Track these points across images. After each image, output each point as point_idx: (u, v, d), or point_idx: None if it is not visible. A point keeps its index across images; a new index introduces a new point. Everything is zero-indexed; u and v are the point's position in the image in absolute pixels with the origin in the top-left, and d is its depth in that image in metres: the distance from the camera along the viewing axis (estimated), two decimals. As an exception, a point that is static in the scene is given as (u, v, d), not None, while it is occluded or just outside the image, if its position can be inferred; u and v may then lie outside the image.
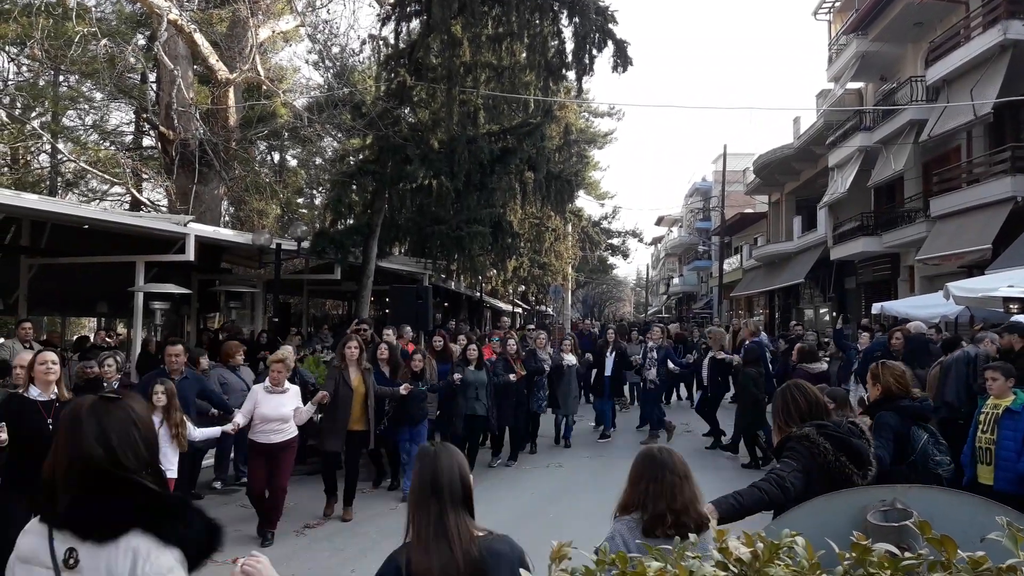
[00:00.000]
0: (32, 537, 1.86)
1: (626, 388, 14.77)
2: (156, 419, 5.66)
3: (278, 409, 6.88)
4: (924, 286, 18.42)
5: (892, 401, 4.75)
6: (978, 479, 5.85)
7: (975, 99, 15.77)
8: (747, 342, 11.98)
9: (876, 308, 14.83)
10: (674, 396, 16.46)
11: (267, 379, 6.98)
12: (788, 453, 3.40)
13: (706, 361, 12.35)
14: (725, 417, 11.94)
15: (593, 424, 12.94)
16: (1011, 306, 9.57)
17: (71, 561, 1.79)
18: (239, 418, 6.72)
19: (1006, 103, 15.21)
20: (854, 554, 1.04)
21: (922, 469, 4.58)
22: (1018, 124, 16.78)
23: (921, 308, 12.84)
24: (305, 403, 7.32)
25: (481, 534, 2.24)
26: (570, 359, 11.59)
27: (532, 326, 14.63)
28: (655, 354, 12.13)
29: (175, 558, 1.80)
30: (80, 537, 1.80)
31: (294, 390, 7.11)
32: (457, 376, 9.18)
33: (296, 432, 7.09)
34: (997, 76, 15.50)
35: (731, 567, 1.03)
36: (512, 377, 10.04)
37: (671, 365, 12.43)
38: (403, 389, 8.16)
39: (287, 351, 8.78)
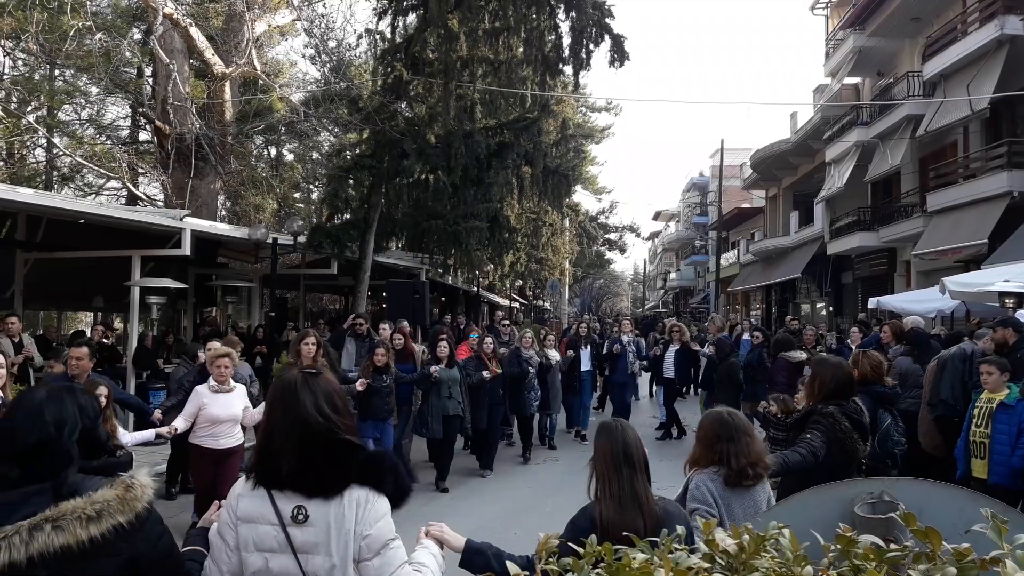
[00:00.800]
0: (251, 499, 2.10)
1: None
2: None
3: (229, 409, 6.33)
4: (920, 281, 18.45)
5: (866, 386, 5.27)
6: (972, 473, 5.89)
7: (972, 94, 15.79)
8: (717, 337, 12.40)
9: (872, 303, 14.85)
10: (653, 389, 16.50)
11: (210, 377, 6.36)
12: (815, 425, 4.13)
13: (671, 353, 12.09)
14: (683, 409, 12.57)
15: (565, 427, 12.24)
16: (1007, 301, 9.58)
17: (300, 517, 2.05)
18: (179, 422, 6.13)
19: (1002, 98, 15.23)
20: (839, 546, 1.04)
21: (881, 446, 5.20)
22: (1015, 119, 16.80)
23: (917, 303, 12.85)
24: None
25: (656, 497, 2.63)
26: (554, 355, 11.19)
27: (506, 320, 13.59)
28: (632, 347, 12.13)
29: (386, 504, 2.14)
30: (306, 495, 2.06)
31: (240, 389, 6.53)
32: (435, 368, 8.77)
33: (242, 436, 6.53)
34: (994, 71, 15.51)
35: (718, 559, 1.03)
36: (486, 374, 9.42)
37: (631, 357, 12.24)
38: (359, 385, 7.74)
39: (231, 344, 8.55)
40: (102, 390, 5.24)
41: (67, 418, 1.89)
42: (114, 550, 1.75)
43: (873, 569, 0.94)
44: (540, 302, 42.36)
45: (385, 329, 10.26)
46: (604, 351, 12.46)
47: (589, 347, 12.30)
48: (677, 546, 1.06)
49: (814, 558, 1.05)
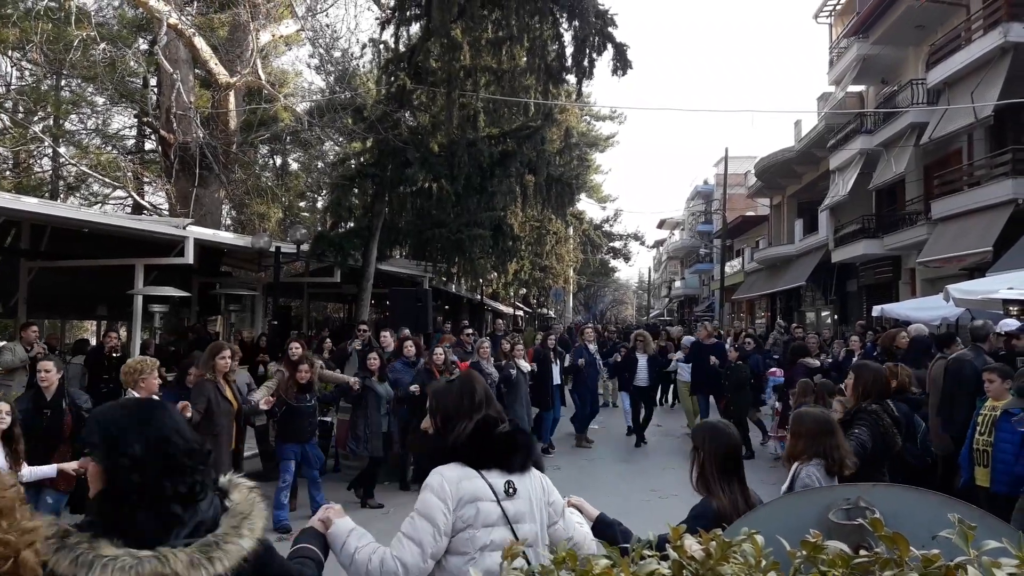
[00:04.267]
0: (468, 482, 2.35)
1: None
2: None
3: None
4: (925, 288, 18.38)
5: (902, 394, 5.84)
6: (975, 481, 5.85)
7: (976, 102, 15.76)
8: (741, 343, 12.79)
9: (877, 311, 14.81)
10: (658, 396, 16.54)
11: (133, 393, 5.71)
12: (861, 422, 4.54)
13: (643, 363, 12.05)
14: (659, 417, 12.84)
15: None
16: (1011, 308, 9.56)
17: (510, 491, 2.37)
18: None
19: (1007, 106, 15.19)
20: (804, 552, 1.04)
21: (922, 446, 5.96)
22: (1019, 126, 16.75)
23: (922, 310, 12.81)
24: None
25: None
26: (523, 365, 10.58)
27: (470, 329, 12.91)
28: (598, 356, 12.15)
29: None
30: (508, 471, 2.40)
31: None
32: (354, 380, 8.28)
33: None
34: (998, 79, 15.48)
35: (685, 566, 1.03)
36: (414, 389, 8.50)
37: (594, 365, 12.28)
38: (263, 403, 7.16)
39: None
40: (3, 406, 4.87)
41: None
42: None
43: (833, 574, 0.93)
44: (544, 310, 42.34)
45: (386, 336, 10.30)
46: (568, 364, 12.34)
47: (559, 361, 12.01)
48: (648, 552, 1.06)
49: (784, 565, 1.05)
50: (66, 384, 6.12)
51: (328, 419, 9.17)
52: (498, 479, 2.37)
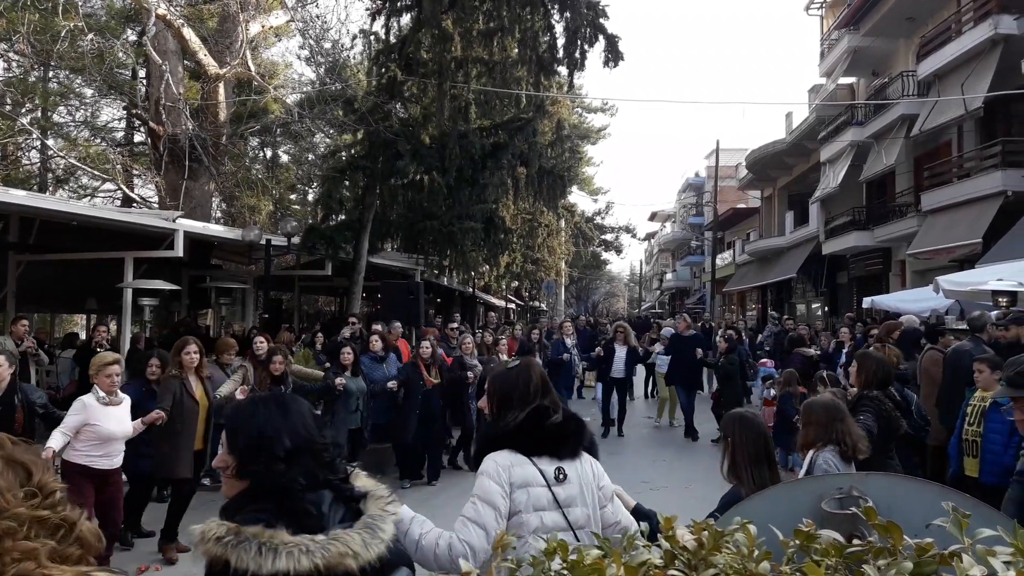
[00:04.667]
0: (519, 468, 2.45)
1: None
2: None
3: (123, 424, 5.67)
4: (915, 280, 18.46)
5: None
6: (964, 471, 5.86)
7: (966, 94, 15.80)
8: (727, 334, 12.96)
9: (867, 302, 14.87)
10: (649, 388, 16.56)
11: (96, 388, 5.61)
12: (865, 408, 4.78)
13: (621, 355, 12.01)
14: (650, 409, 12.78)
15: None
16: (1000, 299, 9.59)
17: (561, 476, 2.46)
18: (54, 442, 5.33)
19: (997, 97, 15.23)
20: (797, 541, 1.03)
21: (919, 415, 5.99)
22: (1009, 119, 16.81)
23: (912, 302, 12.87)
24: None
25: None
26: (505, 359, 10.25)
27: (455, 324, 12.44)
28: (576, 350, 12.14)
29: None
30: (559, 458, 2.49)
31: (128, 401, 5.86)
32: (340, 380, 8.00)
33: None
34: (988, 71, 15.52)
35: (678, 556, 1.02)
36: (391, 385, 8.49)
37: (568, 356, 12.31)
38: (239, 393, 7.00)
39: (226, 346, 8.15)
40: None
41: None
42: None
43: (813, 565, 0.92)
44: (536, 303, 42.35)
45: (378, 329, 10.27)
46: (550, 358, 12.33)
47: (541, 354, 11.94)
48: (639, 541, 1.05)
49: (778, 554, 1.04)
50: (18, 380, 5.90)
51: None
52: (548, 465, 2.48)
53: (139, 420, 5.83)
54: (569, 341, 12.20)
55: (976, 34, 15.81)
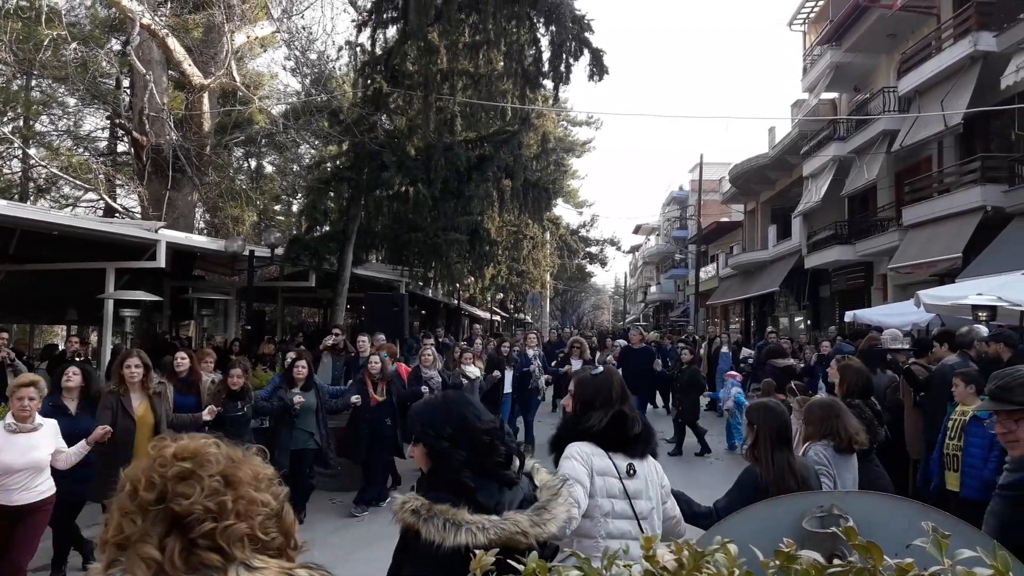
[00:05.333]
0: (598, 458, 2.81)
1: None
2: None
3: (28, 454, 4.94)
4: (897, 294, 18.60)
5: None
6: (946, 486, 5.90)
7: (946, 110, 15.98)
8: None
9: (849, 316, 14.94)
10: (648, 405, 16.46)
11: (8, 414, 5.04)
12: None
13: (578, 366, 11.78)
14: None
15: None
16: (980, 314, 9.67)
17: (631, 471, 2.83)
18: None
19: (976, 114, 15.43)
20: (777, 562, 1.03)
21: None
22: (988, 135, 17.02)
23: (893, 316, 12.94)
24: None
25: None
26: (472, 371, 9.99)
27: (364, 338, 10.84)
28: (538, 361, 12.05)
29: None
30: (631, 456, 2.87)
31: (50, 425, 5.19)
32: (298, 398, 7.47)
33: (52, 489, 5.13)
34: (967, 87, 15.72)
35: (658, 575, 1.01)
36: (355, 399, 8.02)
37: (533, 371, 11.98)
38: (207, 414, 6.55)
39: (204, 357, 7.80)
40: None
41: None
42: None
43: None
44: (521, 315, 42.35)
45: (364, 342, 10.19)
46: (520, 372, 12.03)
47: (512, 368, 11.56)
48: (620, 561, 1.05)
49: (758, 574, 1.04)
50: None
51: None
52: (622, 461, 2.84)
53: (83, 441, 5.31)
54: (531, 352, 12.05)
55: (956, 51, 16.01)
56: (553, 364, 12.68)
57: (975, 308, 9.69)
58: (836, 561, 1.05)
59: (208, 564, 1.14)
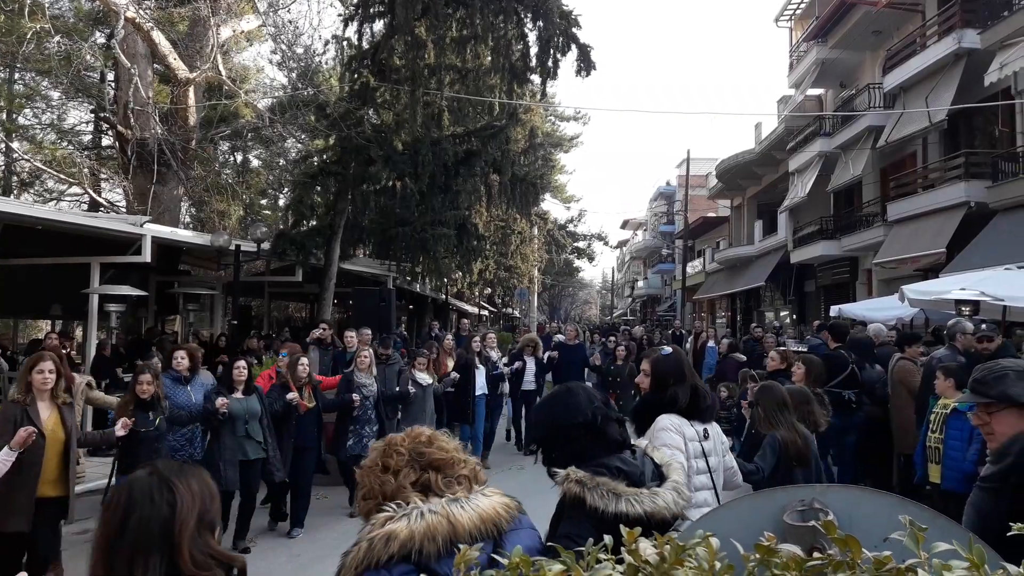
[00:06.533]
0: (686, 427, 3.24)
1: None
2: None
3: None
4: (882, 289, 18.75)
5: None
6: (929, 478, 5.98)
7: (930, 106, 16.11)
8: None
9: (834, 311, 15.04)
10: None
11: None
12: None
13: (531, 366, 11.89)
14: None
15: None
16: (963, 308, 9.76)
17: (705, 434, 3.31)
18: None
19: (960, 110, 15.55)
20: (758, 555, 1.04)
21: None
22: (972, 131, 17.17)
23: (878, 310, 13.04)
24: None
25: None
26: (423, 378, 9.13)
27: (352, 333, 10.26)
28: (502, 365, 11.84)
29: None
30: (704, 422, 3.33)
31: None
32: (222, 401, 6.55)
33: None
34: (951, 84, 15.84)
35: (640, 570, 1.03)
36: (291, 397, 7.23)
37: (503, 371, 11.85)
38: (120, 428, 5.63)
39: (191, 352, 7.43)
40: None
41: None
42: None
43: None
44: (509, 310, 42.37)
45: (351, 337, 10.13)
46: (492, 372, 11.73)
47: (485, 367, 11.05)
48: (602, 556, 1.06)
49: (739, 568, 1.05)
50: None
51: None
52: (699, 427, 3.30)
53: (7, 447, 4.60)
54: (494, 355, 11.66)
55: (940, 48, 16.13)
56: (504, 362, 12.27)
57: (958, 303, 9.79)
58: (816, 555, 1.07)
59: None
